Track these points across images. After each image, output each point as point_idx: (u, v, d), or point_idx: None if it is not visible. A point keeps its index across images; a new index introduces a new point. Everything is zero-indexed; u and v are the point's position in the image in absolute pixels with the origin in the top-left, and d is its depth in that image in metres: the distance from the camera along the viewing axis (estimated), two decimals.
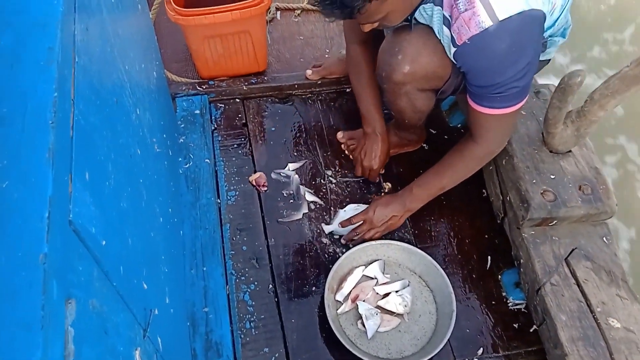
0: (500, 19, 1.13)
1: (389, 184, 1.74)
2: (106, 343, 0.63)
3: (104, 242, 0.66)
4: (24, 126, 0.51)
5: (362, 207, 1.63)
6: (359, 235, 1.56)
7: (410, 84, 1.42)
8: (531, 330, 1.49)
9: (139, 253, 0.87)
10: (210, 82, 1.91)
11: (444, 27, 1.24)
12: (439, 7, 1.23)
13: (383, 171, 1.75)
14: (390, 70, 1.41)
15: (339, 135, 1.81)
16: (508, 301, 1.55)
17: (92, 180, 0.65)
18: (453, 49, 1.24)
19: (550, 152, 1.56)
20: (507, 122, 1.37)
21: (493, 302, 1.54)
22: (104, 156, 0.73)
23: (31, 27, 0.58)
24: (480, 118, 1.33)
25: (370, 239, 1.55)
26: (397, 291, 1.48)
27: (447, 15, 1.21)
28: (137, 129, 1.00)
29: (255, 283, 1.52)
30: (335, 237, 1.62)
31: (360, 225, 1.56)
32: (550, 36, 1.42)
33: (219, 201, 1.66)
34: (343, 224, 1.57)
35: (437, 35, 1.29)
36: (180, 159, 1.66)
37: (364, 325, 1.43)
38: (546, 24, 1.32)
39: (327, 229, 1.62)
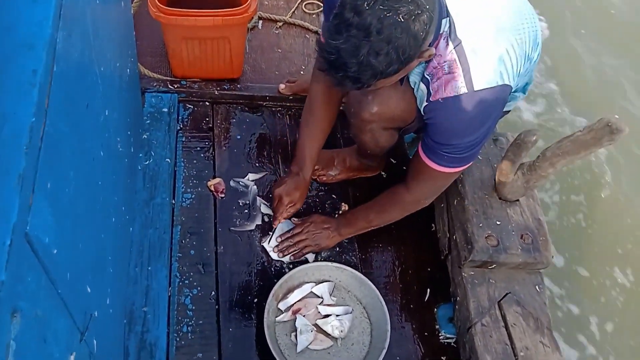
0: (475, 89, 1.20)
1: (347, 205, 1.78)
2: (44, 352, 0.64)
3: (55, 251, 0.67)
4: None
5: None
6: (293, 241, 1.61)
7: (376, 122, 1.49)
8: None
9: (88, 257, 0.88)
10: (182, 82, 1.90)
11: (422, 83, 1.29)
12: (424, 65, 1.27)
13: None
14: (359, 107, 1.46)
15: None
16: (440, 334, 1.61)
17: (53, 189, 0.66)
18: (425, 103, 1.29)
19: (500, 198, 1.64)
20: (442, 180, 1.46)
21: (426, 334, 1.60)
22: (67, 163, 0.73)
23: (18, 47, 0.59)
24: (421, 168, 1.40)
25: (300, 250, 1.61)
26: (337, 315, 1.52)
27: (427, 74, 1.27)
28: (103, 130, 1.00)
29: (199, 288, 1.53)
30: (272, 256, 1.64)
31: (296, 233, 1.62)
32: (512, 92, 1.49)
33: (173, 202, 1.67)
34: (282, 236, 1.63)
35: (412, 85, 1.34)
36: (140, 155, 1.66)
37: (297, 338, 1.47)
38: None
39: (267, 247, 1.64)
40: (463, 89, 1.20)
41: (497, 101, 1.25)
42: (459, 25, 1.21)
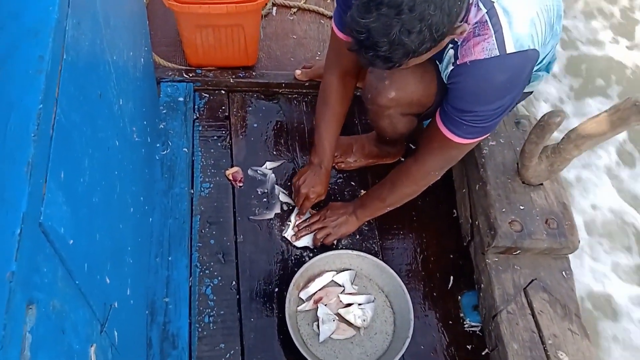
0: (508, 52, 1.14)
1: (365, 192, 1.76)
2: (62, 343, 0.63)
3: (71, 242, 0.66)
4: (5, 136, 0.50)
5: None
6: (311, 229, 1.60)
7: (394, 108, 1.45)
8: (483, 354, 1.53)
9: (106, 247, 0.87)
10: (197, 71, 1.89)
11: (451, 48, 1.24)
12: None
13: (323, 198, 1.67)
14: (376, 93, 1.43)
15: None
16: (464, 322, 1.59)
17: (67, 178, 0.65)
18: (451, 68, 1.24)
19: (523, 183, 1.60)
20: (455, 151, 1.38)
21: (450, 322, 1.58)
22: (81, 152, 0.72)
23: (24, 33, 0.57)
24: (436, 137, 1.33)
25: (322, 239, 1.59)
26: (360, 304, 1.50)
27: (457, 39, 1.21)
28: (117, 120, 0.99)
29: (219, 278, 1.52)
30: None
31: (313, 222, 1.61)
32: (536, 71, 1.45)
33: (192, 192, 1.66)
34: (299, 226, 1.62)
35: (443, 54, 1.29)
36: (158, 145, 1.65)
37: (319, 328, 1.46)
38: None
39: (288, 237, 1.63)
40: (495, 52, 1.14)
41: (527, 66, 1.19)
42: None
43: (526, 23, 1.15)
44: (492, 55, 1.15)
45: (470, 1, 1.15)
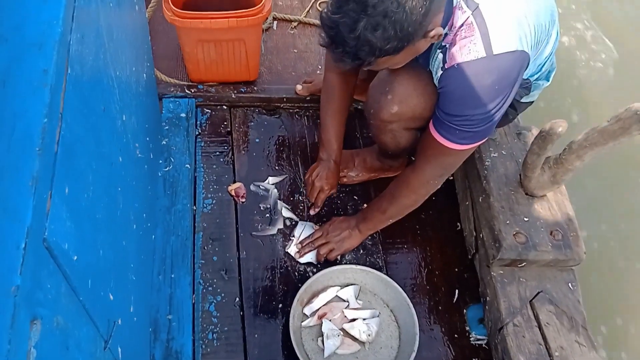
0: (494, 53, 1.14)
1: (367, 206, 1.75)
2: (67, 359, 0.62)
3: (75, 257, 0.65)
4: (10, 150, 0.50)
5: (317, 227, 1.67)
6: (314, 246, 1.60)
7: (396, 123, 1.46)
8: None
9: (109, 264, 0.86)
10: (199, 86, 1.90)
11: (439, 51, 1.25)
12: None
13: (335, 194, 1.74)
14: (378, 108, 1.43)
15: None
16: (470, 336, 1.57)
17: (71, 194, 0.65)
18: (440, 72, 1.25)
19: (526, 194, 1.59)
20: (450, 158, 1.37)
21: (456, 336, 1.56)
22: (85, 167, 0.72)
23: (28, 47, 0.57)
24: (430, 144, 1.33)
25: (326, 255, 1.58)
26: (364, 319, 1.49)
27: (444, 42, 1.22)
28: (121, 135, 0.99)
29: (222, 295, 1.51)
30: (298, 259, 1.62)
31: (316, 238, 1.60)
32: (535, 80, 1.45)
33: (194, 208, 1.65)
34: (302, 242, 1.62)
35: (430, 60, 1.30)
36: (160, 162, 1.65)
37: (323, 343, 1.44)
38: (532, 70, 1.35)
39: (292, 253, 1.62)
40: (481, 53, 1.14)
41: (515, 68, 1.19)
42: None
43: (513, 24, 1.15)
44: (479, 57, 1.15)
45: (454, 4, 1.16)
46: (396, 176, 1.80)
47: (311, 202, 1.69)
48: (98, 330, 0.79)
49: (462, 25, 1.16)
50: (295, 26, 2.20)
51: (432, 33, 1.13)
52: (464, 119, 1.23)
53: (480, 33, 1.14)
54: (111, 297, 0.86)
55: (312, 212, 1.69)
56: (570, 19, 3.06)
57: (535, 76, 1.42)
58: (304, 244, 1.61)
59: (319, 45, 1.18)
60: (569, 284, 1.54)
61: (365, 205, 1.74)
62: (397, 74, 1.39)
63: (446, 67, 1.21)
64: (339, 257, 1.61)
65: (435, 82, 1.29)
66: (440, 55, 1.24)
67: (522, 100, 1.50)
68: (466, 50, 1.16)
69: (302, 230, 1.64)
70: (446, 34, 1.20)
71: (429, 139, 1.32)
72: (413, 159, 1.85)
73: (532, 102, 1.57)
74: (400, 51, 1.11)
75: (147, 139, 1.39)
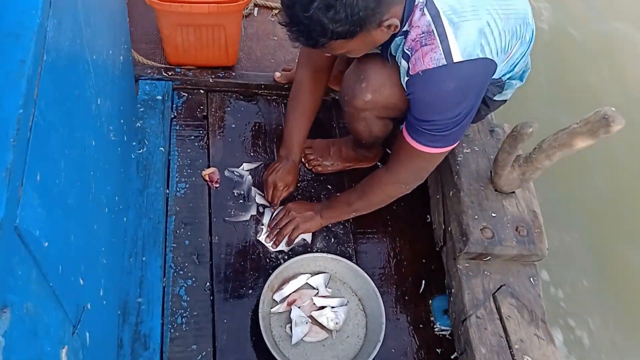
0: (454, 61, 1.18)
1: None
2: (35, 346, 0.63)
3: (46, 244, 0.65)
4: None
5: None
6: (281, 225, 1.62)
7: (369, 111, 1.47)
8: (452, 357, 1.55)
9: (80, 249, 0.86)
10: (177, 70, 1.88)
11: (403, 60, 1.28)
12: (404, 40, 1.26)
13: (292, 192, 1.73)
14: (352, 95, 1.45)
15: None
16: (435, 326, 1.61)
17: (43, 180, 0.65)
18: (406, 78, 1.28)
19: (495, 190, 1.63)
20: (423, 162, 1.41)
21: (420, 325, 1.60)
22: (58, 154, 0.72)
23: (4, 37, 0.57)
24: (403, 147, 1.37)
25: (290, 235, 1.61)
26: (333, 307, 1.52)
27: (406, 49, 1.26)
28: (95, 119, 0.98)
29: (193, 279, 1.52)
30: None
31: (281, 217, 1.63)
32: (508, 79, 1.48)
33: (167, 191, 1.65)
34: (269, 224, 1.65)
35: (398, 65, 1.33)
36: (134, 144, 1.64)
37: (291, 330, 1.47)
38: (505, 69, 1.38)
39: (263, 241, 1.64)
40: (442, 61, 1.18)
41: (478, 75, 1.23)
42: None
43: (473, 33, 1.18)
44: (440, 65, 1.19)
45: (416, 3, 1.19)
46: (370, 167, 1.85)
47: (267, 199, 1.68)
48: (67, 316, 0.79)
49: (422, 33, 1.20)
50: (276, 14, 2.19)
51: (386, 22, 1.16)
52: (432, 123, 1.28)
53: (440, 42, 1.18)
54: (81, 281, 0.87)
55: (272, 210, 1.68)
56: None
57: (508, 75, 1.45)
58: (271, 227, 1.63)
59: (278, 24, 1.21)
60: (531, 279, 1.58)
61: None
62: (372, 63, 1.41)
63: (411, 73, 1.25)
64: (309, 244, 1.64)
65: (404, 86, 1.32)
66: (404, 62, 1.28)
67: (495, 99, 1.54)
68: (428, 58, 1.20)
69: (271, 217, 1.66)
70: (406, 31, 1.23)
71: (402, 142, 1.36)
72: (388, 151, 1.89)
73: (505, 100, 1.60)
74: (354, 36, 1.15)
75: (122, 121, 1.38)
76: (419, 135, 1.32)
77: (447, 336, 1.60)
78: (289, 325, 1.48)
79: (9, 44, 0.57)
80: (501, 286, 1.54)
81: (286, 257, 1.60)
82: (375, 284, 1.53)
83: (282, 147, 1.69)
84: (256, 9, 2.18)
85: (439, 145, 1.33)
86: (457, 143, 1.37)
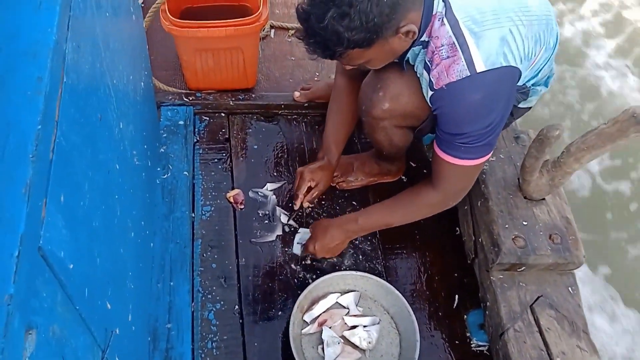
0: (478, 71, 1.16)
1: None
2: None
3: (71, 266, 0.65)
4: (4, 158, 0.50)
5: None
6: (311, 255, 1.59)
7: (388, 120, 1.46)
8: None
9: (106, 272, 0.86)
10: (197, 94, 1.90)
11: (424, 71, 1.27)
12: (424, 51, 1.25)
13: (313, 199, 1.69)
14: (370, 104, 1.44)
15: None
16: (471, 342, 1.56)
17: (67, 201, 0.64)
18: (430, 93, 1.27)
19: (525, 198, 1.59)
20: (465, 174, 1.38)
21: (456, 342, 1.55)
22: (81, 176, 0.72)
23: (22, 55, 0.57)
24: (441, 165, 1.35)
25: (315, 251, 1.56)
26: (365, 326, 1.48)
27: (427, 60, 1.24)
28: (118, 143, 0.99)
29: (222, 302, 1.50)
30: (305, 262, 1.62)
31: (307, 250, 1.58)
32: (533, 85, 1.45)
33: (193, 215, 1.65)
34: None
35: (418, 76, 1.32)
36: (158, 169, 1.65)
37: (324, 351, 1.43)
38: (529, 75, 1.36)
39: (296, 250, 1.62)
40: (465, 72, 1.16)
41: (504, 82, 1.21)
42: (455, 5, 1.18)
43: (495, 41, 1.17)
44: (464, 76, 1.17)
45: (434, 12, 1.18)
46: (395, 182, 1.82)
47: (295, 192, 1.62)
48: (95, 340, 0.78)
49: (442, 45, 1.19)
50: (292, 34, 2.21)
51: (404, 29, 1.15)
52: (465, 136, 1.26)
53: (462, 53, 1.17)
54: (109, 305, 0.86)
55: (295, 207, 1.63)
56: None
57: (532, 81, 1.42)
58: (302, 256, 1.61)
59: (296, 37, 1.21)
60: (569, 288, 1.53)
61: None
62: (389, 72, 1.40)
63: (435, 87, 1.24)
64: (338, 263, 1.61)
65: (429, 102, 1.30)
66: (426, 74, 1.27)
67: (520, 106, 1.51)
68: (451, 71, 1.19)
69: (302, 236, 1.65)
70: (425, 42, 1.22)
71: (438, 159, 1.34)
72: (412, 164, 1.87)
73: (530, 107, 1.57)
74: (372, 45, 1.14)
75: (145, 146, 1.39)
76: (454, 150, 1.29)
77: (485, 352, 1.54)
78: (321, 346, 1.45)
79: (25, 62, 0.58)
80: (538, 297, 1.49)
81: (314, 276, 1.58)
82: (407, 301, 1.49)
83: (321, 150, 1.67)
84: (272, 30, 2.20)
85: (476, 156, 1.31)
86: (493, 150, 1.35)
